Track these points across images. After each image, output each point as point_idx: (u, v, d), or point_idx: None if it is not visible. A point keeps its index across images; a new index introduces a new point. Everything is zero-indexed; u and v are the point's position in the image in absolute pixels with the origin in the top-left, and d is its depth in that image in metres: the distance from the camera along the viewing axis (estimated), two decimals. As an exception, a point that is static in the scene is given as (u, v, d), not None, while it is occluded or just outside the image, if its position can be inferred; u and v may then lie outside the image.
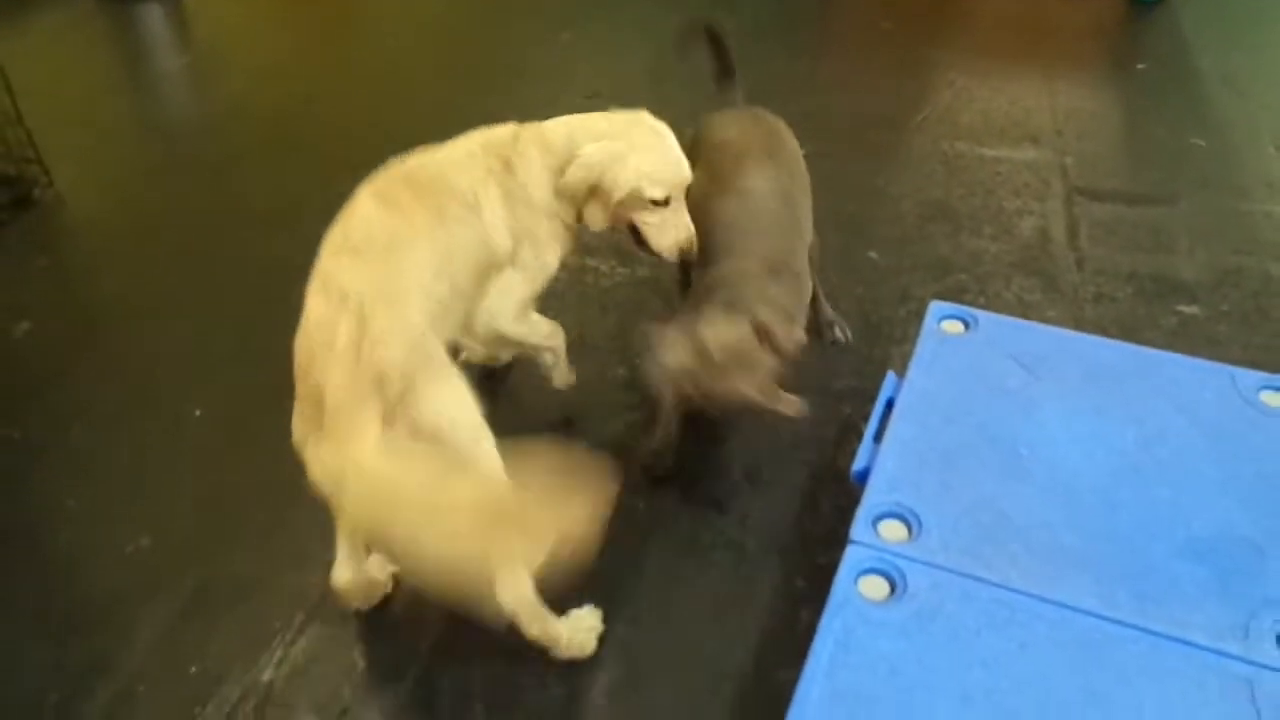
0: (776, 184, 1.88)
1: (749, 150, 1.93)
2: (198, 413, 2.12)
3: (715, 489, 1.94)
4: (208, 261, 2.58)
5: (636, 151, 1.69)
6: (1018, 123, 3.12)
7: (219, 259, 2.58)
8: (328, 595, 1.65)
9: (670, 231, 1.75)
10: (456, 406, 1.44)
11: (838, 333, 2.25)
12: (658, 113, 1.78)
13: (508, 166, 1.70)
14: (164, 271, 2.54)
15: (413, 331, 1.44)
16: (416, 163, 1.70)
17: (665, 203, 1.72)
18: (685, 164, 1.74)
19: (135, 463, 2.02)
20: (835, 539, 1.43)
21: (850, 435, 2.01)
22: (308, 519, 1.88)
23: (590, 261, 2.53)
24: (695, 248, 1.77)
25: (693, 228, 1.76)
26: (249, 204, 2.80)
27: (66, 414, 2.13)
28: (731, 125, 2.03)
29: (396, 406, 1.37)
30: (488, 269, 1.71)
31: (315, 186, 2.83)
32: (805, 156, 2.92)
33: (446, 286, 1.57)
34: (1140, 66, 3.46)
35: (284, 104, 3.26)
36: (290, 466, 2.01)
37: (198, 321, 2.37)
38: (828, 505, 1.87)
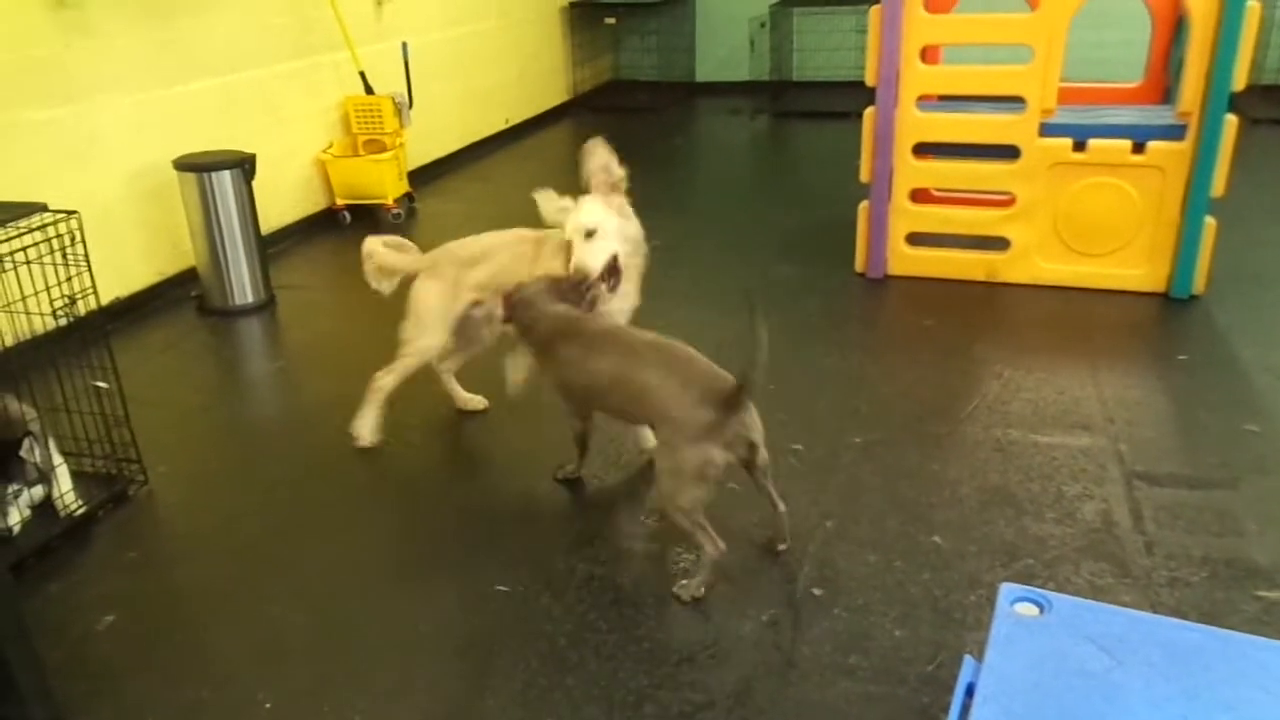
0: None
1: None
2: (268, 705, 2.13)
3: (793, 786, 1.86)
4: (286, 556, 2.67)
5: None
6: (1067, 411, 3.21)
7: (296, 554, 2.68)
8: None
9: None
10: None
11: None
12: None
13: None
14: (245, 564, 2.64)
15: None
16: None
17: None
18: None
19: (203, 757, 2.01)
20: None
21: (930, 727, 1.95)
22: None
23: (657, 549, 2.58)
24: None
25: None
26: (327, 500, 2.93)
27: (140, 708, 2.15)
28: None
29: None
30: None
31: (390, 482, 2.99)
32: (862, 445, 3.03)
33: None
34: (1182, 357, 3.59)
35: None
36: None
37: (274, 614, 2.43)
38: (913, 804, 1.78)
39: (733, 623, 2.31)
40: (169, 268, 4.57)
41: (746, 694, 2.10)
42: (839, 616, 2.32)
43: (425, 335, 3.06)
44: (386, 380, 3.13)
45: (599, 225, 2.74)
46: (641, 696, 2.10)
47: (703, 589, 2.39)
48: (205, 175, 4.28)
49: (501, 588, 2.47)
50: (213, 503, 2.94)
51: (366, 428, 3.16)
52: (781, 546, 2.56)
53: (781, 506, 2.54)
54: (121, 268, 4.29)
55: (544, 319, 2.66)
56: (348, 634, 2.35)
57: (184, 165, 4.30)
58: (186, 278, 4.57)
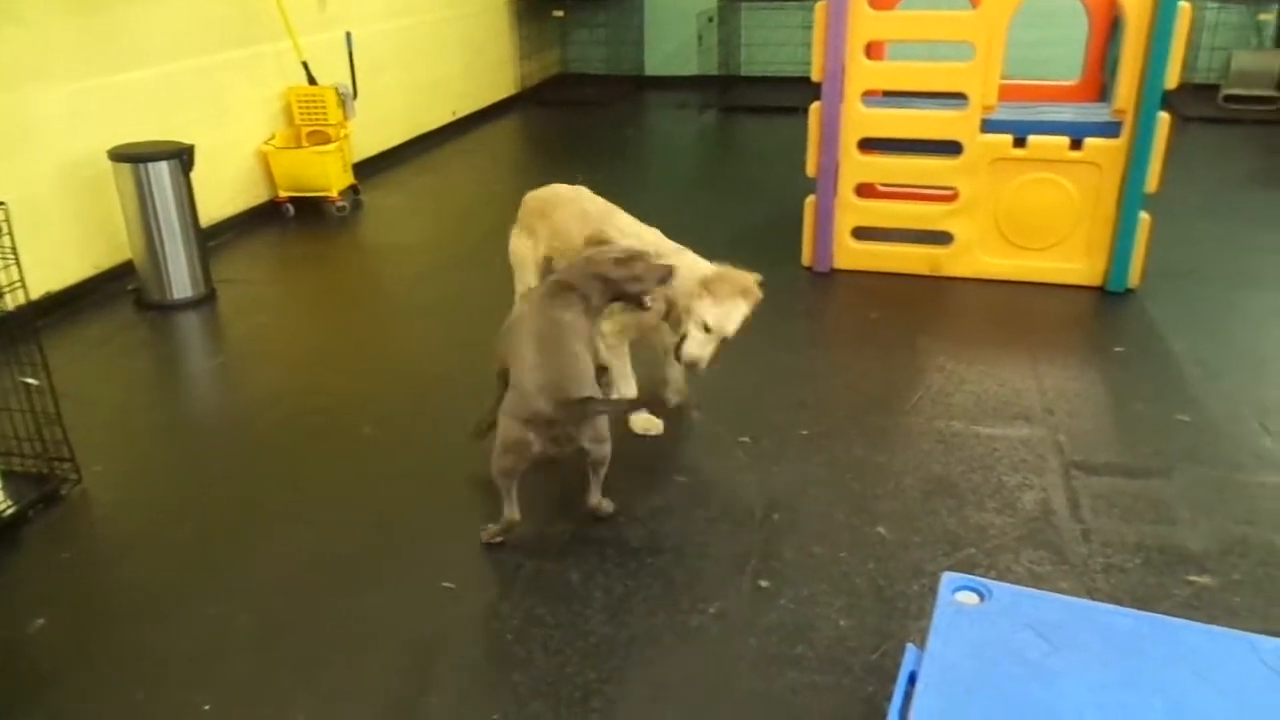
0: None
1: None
2: (206, 707, 2.09)
3: (739, 777, 1.87)
4: (226, 554, 2.62)
5: None
6: (1008, 402, 3.27)
7: (237, 552, 2.62)
8: None
9: None
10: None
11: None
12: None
13: None
14: (183, 564, 2.58)
15: None
16: None
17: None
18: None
19: (140, 761, 1.97)
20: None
21: (874, 714, 1.97)
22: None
23: (604, 542, 2.58)
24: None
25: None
26: (268, 497, 2.88)
27: (73, 712, 2.09)
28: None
29: None
30: None
31: (334, 478, 2.95)
32: (809, 438, 3.06)
33: None
34: (1118, 350, 3.67)
35: (308, 401, 3.42)
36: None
37: (213, 614, 2.38)
38: (857, 792, 1.80)
39: (680, 616, 2.31)
40: (105, 261, 4.46)
41: (693, 687, 2.11)
42: (785, 608, 2.33)
43: (521, 281, 3.40)
44: None
45: (721, 330, 2.78)
46: (588, 691, 2.09)
47: (497, 538, 2.58)
48: (141, 166, 4.17)
49: (448, 584, 2.45)
50: (150, 501, 2.87)
51: None
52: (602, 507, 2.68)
53: (594, 500, 2.65)
54: (54, 260, 4.17)
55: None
56: (289, 633, 2.32)
57: (119, 156, 4.19)
58: (123, 271, 4.46)
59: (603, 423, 2.53)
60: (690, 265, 2.89)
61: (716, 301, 2.76)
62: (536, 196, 3.36)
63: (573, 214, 3.18)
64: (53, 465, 2.87)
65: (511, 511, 2.54)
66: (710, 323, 2.77)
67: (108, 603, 2.45)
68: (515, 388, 2.49)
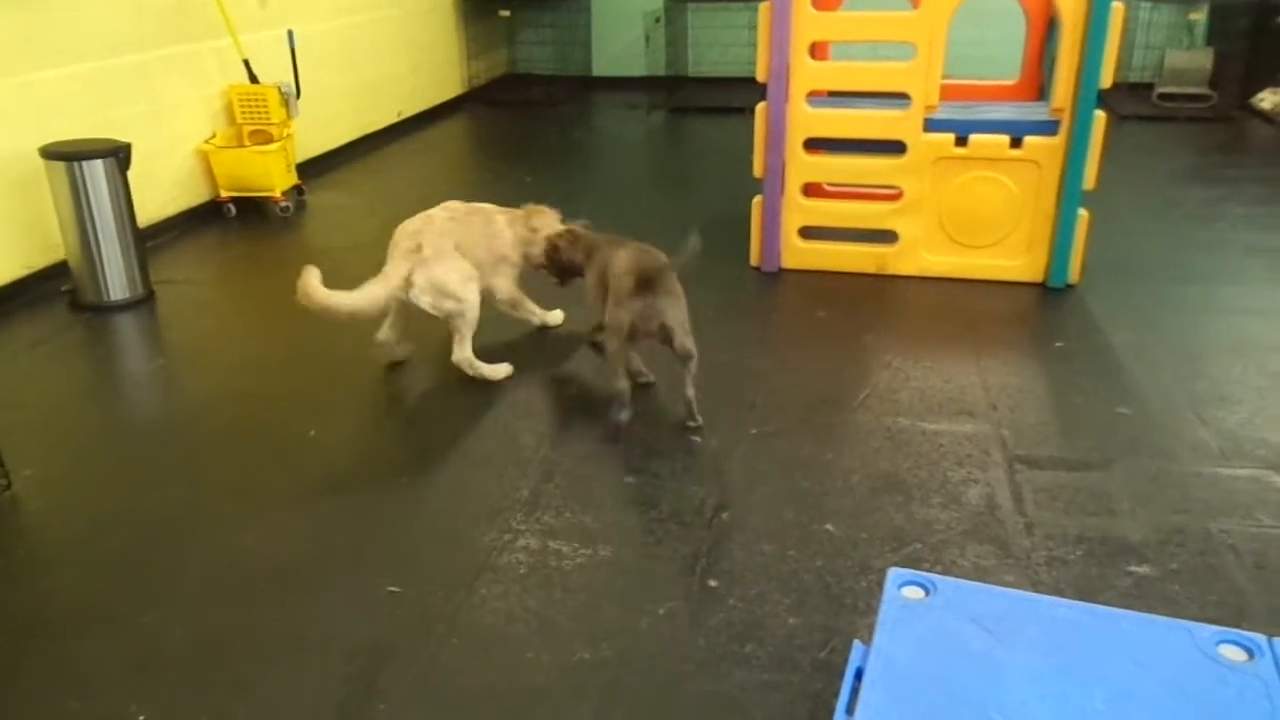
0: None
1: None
2: (141, 717, 2.03)
3: (688, 776, 1.86)
4: (162, 561, 2.55)
5: None
6: (953, 398, 3.30)
7: (174, 559, 2.56)
8: None
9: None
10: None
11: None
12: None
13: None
14: (118, 571, 2.51)
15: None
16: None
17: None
18: None
19: (72, 777, 1.91)
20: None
21: (822, 711, 1.98)
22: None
23: (552, 544, 2.55)
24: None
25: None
26: (208, 502, 2.81)
27: (2, 726, 2.03)
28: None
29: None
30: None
31: (276, 482, 2.90)
32: (758, 437, 3.07)
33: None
34: (1059, 345, 3.73)
35: (251, 403, 3.36)
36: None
37: (150, 622, 2.32)
38: (806, 788, 1.80)
39: (630, 617, 2.30)
40: (38, 260, 4.33)
41: (643, 688, 2.09)
42: (734, 607, 2.33)
43: (472, 319, 3.59)
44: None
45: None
46: (537, 696, 2.07)
47: (621, 415, 3.11)
48: (75, 164, 4.06)
49: (393, 589, 2.41)
50: (84, 507, 2.79)
51: (489, 369, 3.51)
52: (691, 423, 3.11)
53: (690, 391, 3.10)
54: (-17, 262, 4.06)
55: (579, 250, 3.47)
56: (228, 641, 2.26)
57: (52, 154, 4.08)
58: (57, 271, 4.34)
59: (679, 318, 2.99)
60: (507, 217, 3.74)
61: (544, 218, 3.73)
62: (445, 230, 3.51)
63: (479, 230, 3.60)
64: (-19, 473, 2.78)
65: (620, 380, 3.08)
66: (555, 220, 3.75)
67: (39, 612, 2.37)
68: (612, 279, 3.04)
